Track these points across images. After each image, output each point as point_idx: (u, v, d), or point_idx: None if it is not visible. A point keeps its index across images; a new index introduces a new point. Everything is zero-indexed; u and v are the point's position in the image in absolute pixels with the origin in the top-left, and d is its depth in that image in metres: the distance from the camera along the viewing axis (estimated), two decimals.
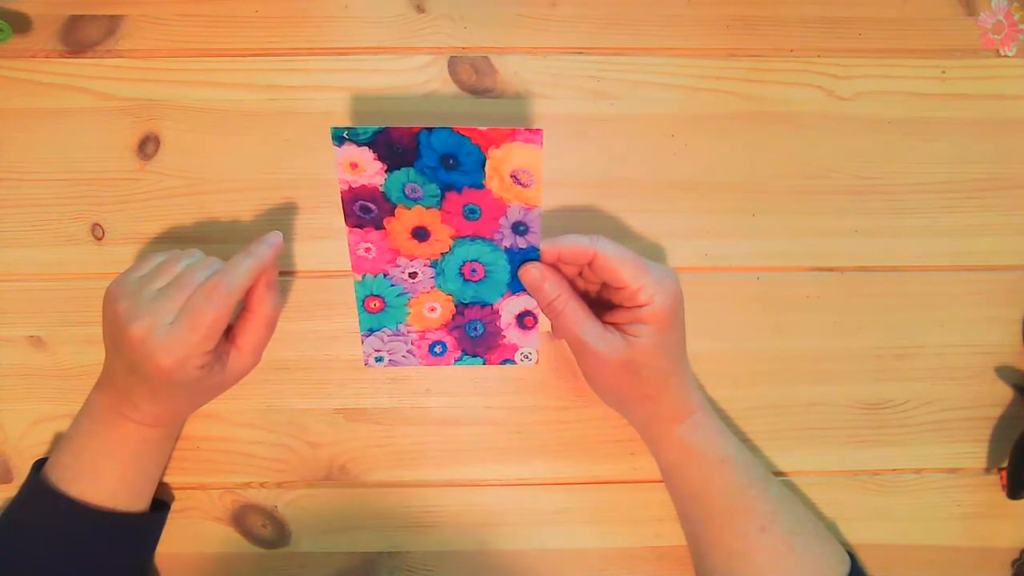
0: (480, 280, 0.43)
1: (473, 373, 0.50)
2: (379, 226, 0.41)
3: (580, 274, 0.44)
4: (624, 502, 0.50)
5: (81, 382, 0.49)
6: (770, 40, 0.52)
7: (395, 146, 0.39)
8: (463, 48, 0.51)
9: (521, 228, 0.41)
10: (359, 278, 0.43)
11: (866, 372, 0.51)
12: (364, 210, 0.41)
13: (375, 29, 0.51)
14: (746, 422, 0.50)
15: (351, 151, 0.39)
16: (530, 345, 0.46)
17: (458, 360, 0.46)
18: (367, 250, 0.42)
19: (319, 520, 0.50)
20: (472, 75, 0.51)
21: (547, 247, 0.42)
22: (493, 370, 0.50)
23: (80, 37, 0.50)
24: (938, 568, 0.51)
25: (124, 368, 0.41)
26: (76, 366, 0.49)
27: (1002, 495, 0.50)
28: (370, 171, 0.40)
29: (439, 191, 0.40)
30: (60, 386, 0.49)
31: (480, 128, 0.38)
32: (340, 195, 0.40)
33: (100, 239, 0.50)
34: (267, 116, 0.50)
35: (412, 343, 0.45)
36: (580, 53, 0.51)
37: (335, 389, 0.50)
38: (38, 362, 0.49)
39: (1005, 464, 0.50)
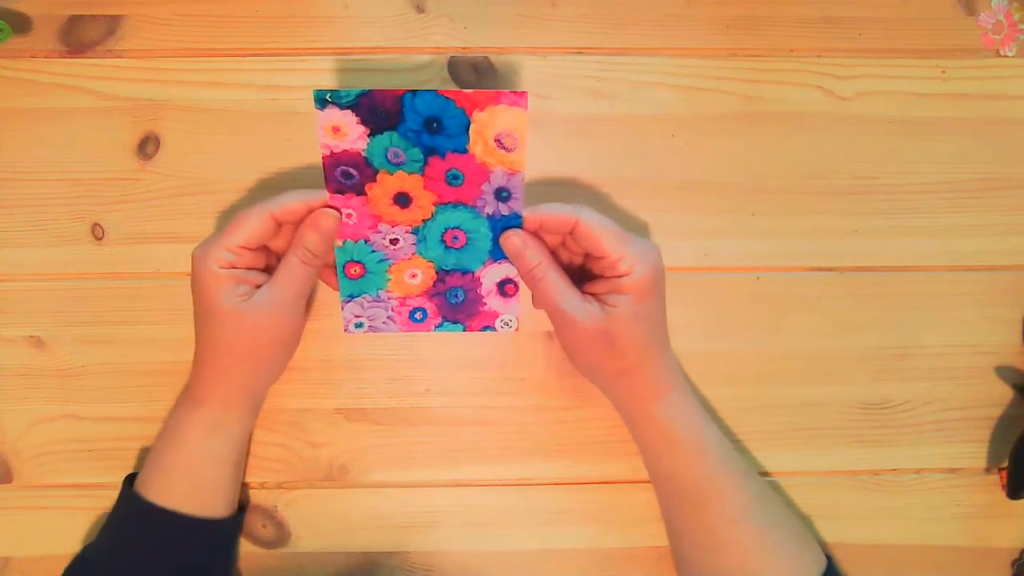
0: (462, 247, 0.43)
1: (473, 372, 0.50)
2: (360, 192, 0.41)
3: (563, 244, 0.44)
4: (624, 502, 0.50)
5: (81, 382, 0.49)
6: (770, 40, 0.52)
7: (378, 109, 0.39)
8: (463, 48, 0.51)
9: (504, 194, 0.41)
10: (340, 244, 0.43)
11: (866, 372, 0.51)
12: (346, 176, 0.41)
13: (375, 29, 0.51)
14: (746, 422, 0.50)
15: (333, 114, 0.39)
16: (511, 312, 0.46)
17: (438, 326, 0.46)
18: (348, 216, 0.42)
19: (319, 520, 0.50)
20: (472, 75, 0.51)
21: (529, 214, 0.42)
22: (493, 369, 0.50)
23: (80, 37, 0.50)
24: (938, 568, 0.51)
25: (198, 334, 0.43)
26: (76, 366, 0.49)
27: (1002, 495, 0.50)
28: (352, 135, 0.39)
29: (422, 156, 0.40)
30: (60, 386, 0.49)
31: (465, 91, 0.38)
32: (321, 160, 0.40)
33: (100, 239, 0.50)
34: (267, 116, 0.50)
35: (392, 309, 0.45)
36: (580, 53, 0.51)
37: (335, 389, 0.50)
38: (38, 362, 0.49)
39: (1005, 464, 0.50)
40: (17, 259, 0.50)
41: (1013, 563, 0.51)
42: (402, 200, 0.42)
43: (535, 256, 0.42)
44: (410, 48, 0.51)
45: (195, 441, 0.44)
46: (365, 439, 0.50)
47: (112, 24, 0.51)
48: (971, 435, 0.51)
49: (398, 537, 0.50)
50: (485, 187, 0.41)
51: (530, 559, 0.50)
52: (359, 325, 0.45)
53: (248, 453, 0.49)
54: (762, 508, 0.43)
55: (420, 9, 0.51)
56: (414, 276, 0.44)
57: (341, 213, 0.42)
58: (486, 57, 0.51)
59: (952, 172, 0.51)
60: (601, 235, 0.40)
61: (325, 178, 0.41)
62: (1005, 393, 0.51)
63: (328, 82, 0.50)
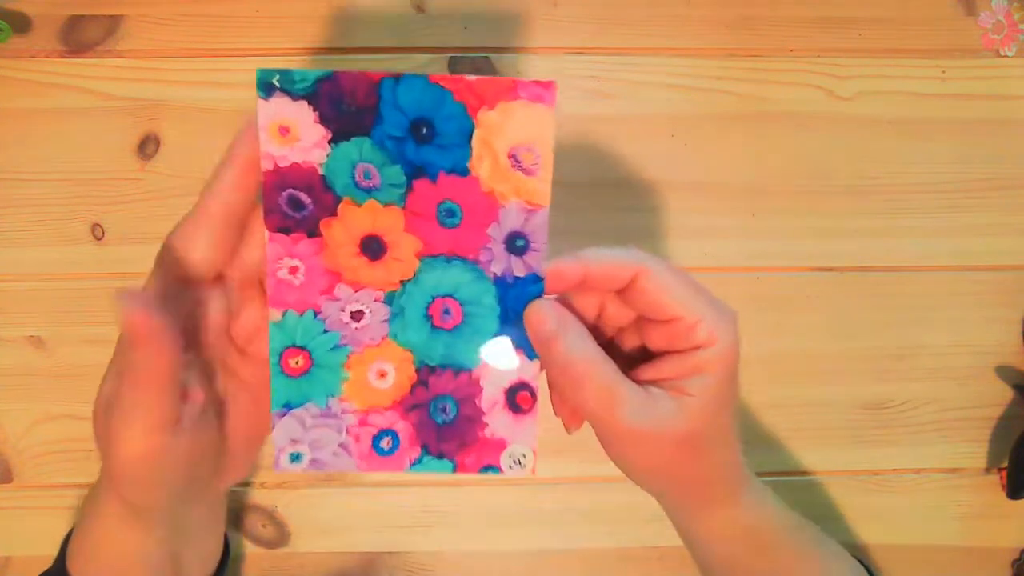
0: (455, 328, 0.29)
1: None
2: (313, 232, 0.28)
3: (599, 315, 0.31)
4: (624, 502, 0.50)
5: (81, 382, 0.49)
6: (770, 40, 0.52)
7: (345, 102, 0.27)
8: (463, 48, 0.51)
9: (519, 243, 0.29)
10: (278, 317, 0.28)
11: (866, 372, 0.51)
12: (294, 204, 0.28)
13: (375, 29, 0.51)
14: (746, 422, 0.50)
15: (282, 107, 0.27)
16: (524, 441, 0.30)
17: (415, 463, 0.30)
18: (293, 271, 0.28)
19: (319, 520, 0.50)
20: (472, 75, 0.51)
21: (568, 265, 0.28)
22: None
23: (80, 37, 0.50)
24: (938, 568, 0.51)
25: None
26: (76, 366, 0.49)
27: (1002, 495, 0.50)
28: (307, 140, 0.27)
29: (404, 178, 0.28)
30: (60, 386, 0.49)
31: (468, 77, 0.27)
32: (262, 178, 0.28)
33: (100, 239, 0.50)
34: None
35: (347, 431, 0.30)
36: (580, 53, 0.51)
37: None
38: (38, 362, 0.49)
39: (1005, 464, 0.50)
40: (17, 259, 0.50)
41: (1013, 563, 0.51)
42: (373, 248, 0.28)
43: (578, 344, 0.28)
44: (410, 48, 0.51)
45: (116, 530, 0.31)
46: None
47: (112, 24, 0.51)
48: (971, 435, 0.51)
49: (398, 537, 0.50)
50: (493, 231, 0.29)
51: (530, 559, 0.50)
52: (295, 458, 0.29)
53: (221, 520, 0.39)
54: None
55: (420, 9, 0.51)
56: (382, 375, 0.30)
57: (281, 266, 0.28)
58: (486, 57, 0.51)
59: (952, 172, 0.51)
60: (672, 290, 0.28)
61: (264, 207, 0.28)
62: (1005, 393, 0.51)
63: None
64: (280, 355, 0.29)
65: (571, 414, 0.32)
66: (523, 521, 0.50)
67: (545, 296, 0.29)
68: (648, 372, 0.30)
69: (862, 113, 0.51)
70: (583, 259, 0.28)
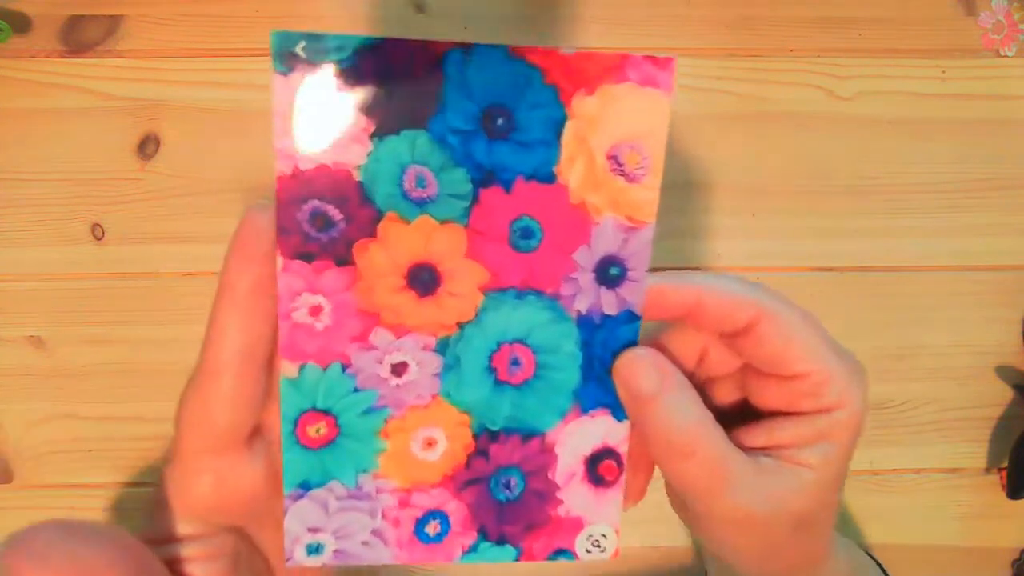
0: (525, 383, 0.23)
1: None
2: (344, 259, 0.21)
3: (700, 364, 0.25)
4: None
5: (81, 382, 0.49)
6: (770, 40, 0.52)
7: (396, 81, 0.20)
8: None
9: (613, 271, 0.22)
10: (293, 372, 0.21)
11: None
12: (320, 222, 0.20)
13: (375, 29, 0.51)
14: None
15: (307, 86, 0.19)
16: (606, 519, 0.24)
17: (469, 551, 0.24)
18: (315, 311, 0.21)
19: None
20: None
21: (676, 288, 0.23)
22: None
23: (80, 37, 0.50)
24: (938, 568, 0.51)
25: None
26: (76, 366, 0.49)
27: (1002, 495, 0.50)
28: (341, 134, 0.20)
29: (470, 185, 0.21)
30: (60, 386, 0.49)
31: (562, 50, 0.20)
32: (275, 185, 0.20)
33: (100, 239, 0.50)
34: (267, 116, 0.50)
35: (384, 514, 0.23)
36: None
37: None
38: (38, 362, 0.49)
39: (1005, 464, 0.50)
40: (17, 259, 0.50)
41: (1013, 563, 0.51)
42: (423, 279, 0.21)
43: (683, 406, 0.22)
44: None
45: None
46: None
47: (112, 24, 0.51)
48: (971, 435, 0.51)
49: None
50: (581, 256, 0.22)
51: None
52: (315, 550, 0.22)
53: None
54: None
55: (420, 9, 0.51)
56: (431, 445, 0.23)
57: (299, 305, 0.21)
58: None
59: (952, 172, 0.51)
60: (800, 341, 0.23)
61: (278, 227, 0.20)
62: (1005, 393, 0.51)
63: None
64: (295, 422, 0.21)
65: (641, 490, 0.26)
66: None
67: (647, 351, 0.23)
68: (758, 437, 0.24)
69: (862, 113, 0.51)
70: (696, 284, 0.22)
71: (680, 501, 0.25)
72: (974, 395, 0.51)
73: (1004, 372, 0.51)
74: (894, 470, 0.51)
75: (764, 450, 0.23)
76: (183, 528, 0.21)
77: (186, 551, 0.21)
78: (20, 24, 0.50)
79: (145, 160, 0.50)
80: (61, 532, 0.18)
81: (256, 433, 0.22)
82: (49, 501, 0.49)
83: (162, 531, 0.21)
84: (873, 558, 0.36)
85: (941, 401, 0.51)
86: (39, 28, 0.50)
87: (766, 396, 0.24)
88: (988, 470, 0.51)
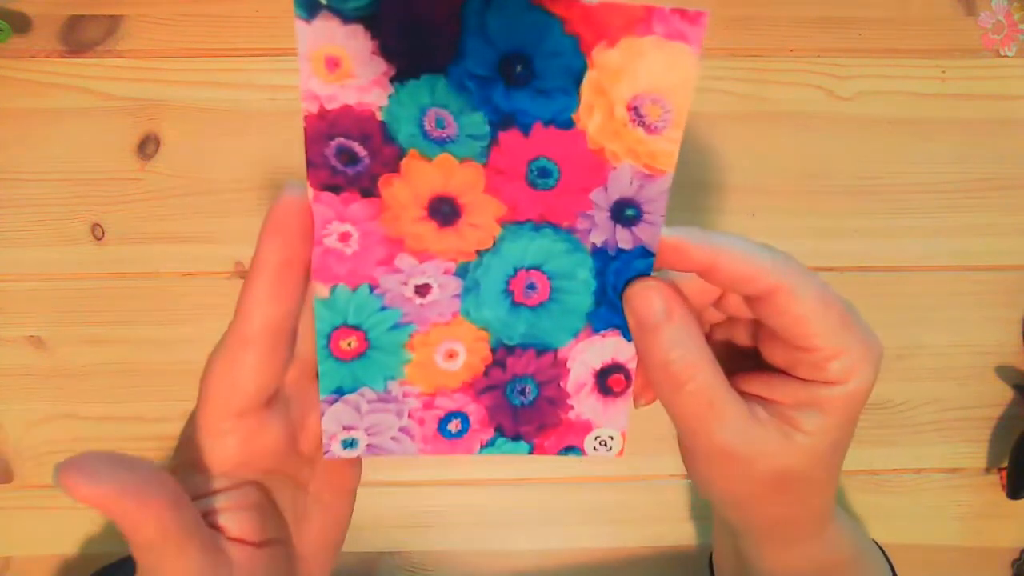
0: (540, 305, 0.25)
1: None
2: (369, 191, 0.22)
3: (719, 302, 0.26)
4: (624, 502, 0.50)
5: (81, 382, 0.49)
6: (770, 40, 0.52)
7: (416, 28, 0.21)
8: None
9: (629, 212, 0.23)
10: (325, 293, 0.23)
11: None
12: (346, 157, 0.22)
13: None
14: None
15: (331, 32, 0.20)
16: (613, 424, 0.27)
17: (487, 446, 0.27)
18: (344, 237, 0.23)
19: None
20: None
21: (694, 245, 0.23)
22: None
23: (80, 37, 0.50)
24: (938, 568, 0.51)
25: None
26: (76, 366, 0.49)
27: (1002, 495, 0.50)
28: (363, 77, 0.21)
29: (488, 128, 0.22)
30: (60, 386, 0.49)
31: (585, 0, 0.20)
32: (303, 124, 0.21)
33: (100, 239, 0.50)
34: (267, 116, 0.50)
35: (410, 414, 0.26)
36: None
37: None
38: (38, 362, 0.49)
39: (1005, 464, 0.50)
40: (17, 259, 0.50)
41: (1013, 563, 0.51)
42: (444, 211, 0.23)
43: (682, 336, 0.23)
44: None
45: None
46: None
47: (112, 24, 0.51)
48: (971, 435, 0.51)
49: (398, 537, 0.50)
50: (597, 196, 0.23)
51: (530, 559, 0.50)
52: (350, 444, 0.26)
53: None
54: None
55: None
56: (452, 356, 0.25)
57: (330, 232, 0.23)
58: None
59: (952, 172, 0.51)
60: (817, 321, 0.23)
61: (308, 160, 0.22)
62: (1005, 393, 0.51)
63: None
64: (329, 336, 0.24)
65: (646, 386, 0.26)
66: (524, 521, 0.50)
67: (656, 280, 0.24)
68: (755, 386, 0.25)
69: (862, 113, 0.51)
70: (716, 246, 0.23)
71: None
72: (974, 395, 0.51)
73: (1004, 372, 0.51)
74: (894, 470, 0.51)
75: (761, 400, 0.25)
76: (211, 484, 0.23)
77: (217, 503, 0.23)
78: (20, 24, 0.50)
79: (145, 160, 0.50)
80: (109, 458, 0.22)
81: (275, 395, 0.24)
82: (49, 501, 0.49)
83: (191, 488, 0.23)
84: (886, 557, 0.36)
85: (941, 401, 0.51)
86: (39, 28, 0.50)
87: (774, 353, 0.25)
88: (988, 470, 0.51)
